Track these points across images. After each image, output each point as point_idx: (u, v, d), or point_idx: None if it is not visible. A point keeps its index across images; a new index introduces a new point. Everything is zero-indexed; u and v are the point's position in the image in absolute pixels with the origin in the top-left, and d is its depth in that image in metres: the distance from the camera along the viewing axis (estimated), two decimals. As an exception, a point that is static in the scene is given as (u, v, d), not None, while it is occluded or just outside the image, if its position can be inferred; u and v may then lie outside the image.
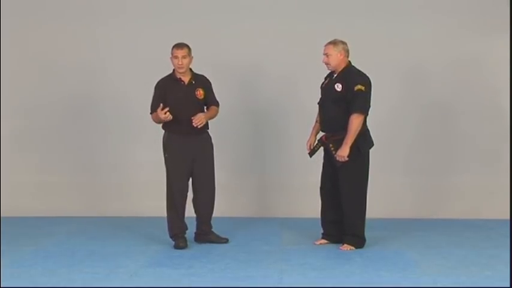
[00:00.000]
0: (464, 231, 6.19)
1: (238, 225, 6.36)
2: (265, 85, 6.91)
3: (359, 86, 5.29)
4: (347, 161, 5.28)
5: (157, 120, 5.45)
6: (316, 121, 5.68)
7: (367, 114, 5.37)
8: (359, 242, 5.45)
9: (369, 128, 5.44)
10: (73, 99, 6.97)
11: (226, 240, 5.66)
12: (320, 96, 5.59)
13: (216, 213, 5.68)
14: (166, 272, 4.77)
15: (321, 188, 5.63)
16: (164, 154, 5.54)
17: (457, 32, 6.81)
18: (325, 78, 5.59)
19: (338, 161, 5.32)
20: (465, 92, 6.84)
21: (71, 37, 6.92)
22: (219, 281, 4.52)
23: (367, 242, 5.49)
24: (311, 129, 5.69)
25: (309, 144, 5.66)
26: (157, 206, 6.46)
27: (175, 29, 6.55)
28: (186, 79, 5.51)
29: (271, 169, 6.99)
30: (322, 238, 5.66)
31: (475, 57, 6.82)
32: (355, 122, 5.27)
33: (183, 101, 5.44)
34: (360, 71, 5.42)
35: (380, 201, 6.63)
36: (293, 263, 5.00)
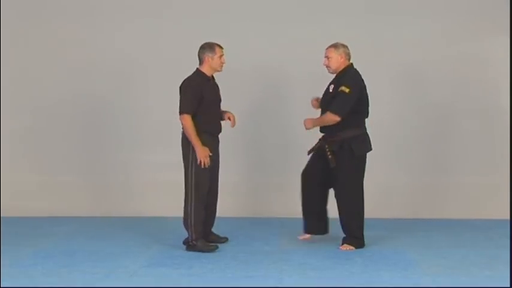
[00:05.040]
0: (464, 231, 6.19)
1: (238, 225, 6.35)
2: (264, 86, 6.92)
3: (343, 87, 5.32)
4: (338, 162, 5.32)
5: (190, 129, 5.24)
6: None
7: (344, 117, 5.29)
8: (358, 242, 5.45)
9: (368, 128, 5.44)
10: (73, 99, 6.96)
11: (225, 240, 5.66)
12: None
13: (216, 213, 5.69)
14: (166, 272, 4.76)
15: (305, 179, 5.61)
16: (192, 157, 5.32)
17: (457, 32, 6.81)
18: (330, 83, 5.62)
19: (332, 162, 5.35)
20: (465, 92, 6.84)
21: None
22: (219, 281, 4.52)
23: (367, 241, 5.49)
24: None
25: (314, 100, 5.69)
26: (158, 206, 6.49)
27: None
28: (211, 78, 5.52)
29: (271, 169, 6.99)
30: (306, 232, 5.68)
31: (475, 57, 6.82)
32: (327, 119, 5.34)
33: (214, 100, 5.47)
34: (355, 74, 5.43)
35: (380, 201, 6.63)
36: (293, 263, 5.00)
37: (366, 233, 5.51)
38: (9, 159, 6.96)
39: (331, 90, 5.42)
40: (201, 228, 5.38)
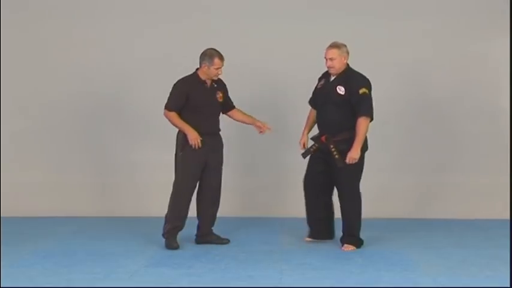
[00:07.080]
0: (464, 231, 6.19)
1: (238, 225, 6.35)
2: (264, 85, 6.92)
3: (364, 90, 5.30)
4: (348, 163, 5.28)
5: (175, 118, 5.45)
6: (308, 120, 5.68)
7: (373, 118, 5.37)
8: (357, 242, 5.45)
9: (370, 127, 5.43)
10: (73, 99, 6.96)
11: (227, 241, 5.66)
12: (314, 97, 5.60)
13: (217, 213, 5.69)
14: (166, 272, 4.77)
15: (308, 185, 5.61)
16: (178, 152, 5.52)
17: (457, 32, 6.81)
18: (319, 80, 5.58)
19: (339, 162, 5.30)
20: (465, 92, 6.84)
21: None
22: (219, 281, 4.53)
23: (367, 241, 5.50)
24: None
25: (302, 143, 5.66)
26: (158, 206, 6.46)
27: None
28: (208, 81, 5.56)
29: (271, 169, 6.99)
30: (309, 237, 5.68)
31: (475, 57, 6.82)
32: (363, 126, 5.28)
33: (204, 102, 5.51)
34: (360, 73, 5.40)
35: (380, 201, 6.63)
36: (293, 263, 5.01)
37: (366, 233, 5.52)
38: (9, 159, 6.96)
39: (341, 93, 5.32)
40: (176, 226, 5.47)
